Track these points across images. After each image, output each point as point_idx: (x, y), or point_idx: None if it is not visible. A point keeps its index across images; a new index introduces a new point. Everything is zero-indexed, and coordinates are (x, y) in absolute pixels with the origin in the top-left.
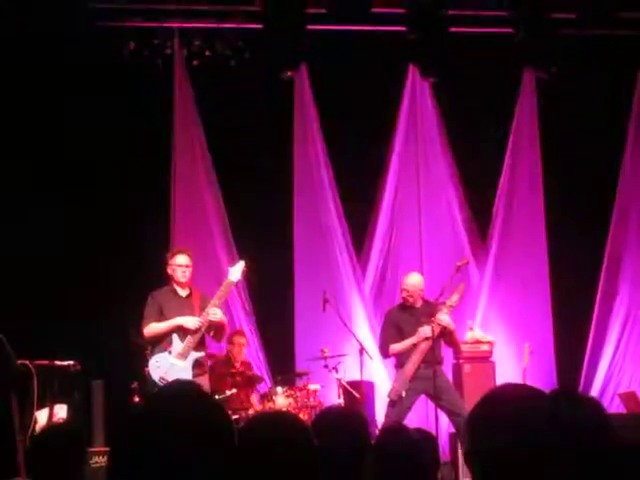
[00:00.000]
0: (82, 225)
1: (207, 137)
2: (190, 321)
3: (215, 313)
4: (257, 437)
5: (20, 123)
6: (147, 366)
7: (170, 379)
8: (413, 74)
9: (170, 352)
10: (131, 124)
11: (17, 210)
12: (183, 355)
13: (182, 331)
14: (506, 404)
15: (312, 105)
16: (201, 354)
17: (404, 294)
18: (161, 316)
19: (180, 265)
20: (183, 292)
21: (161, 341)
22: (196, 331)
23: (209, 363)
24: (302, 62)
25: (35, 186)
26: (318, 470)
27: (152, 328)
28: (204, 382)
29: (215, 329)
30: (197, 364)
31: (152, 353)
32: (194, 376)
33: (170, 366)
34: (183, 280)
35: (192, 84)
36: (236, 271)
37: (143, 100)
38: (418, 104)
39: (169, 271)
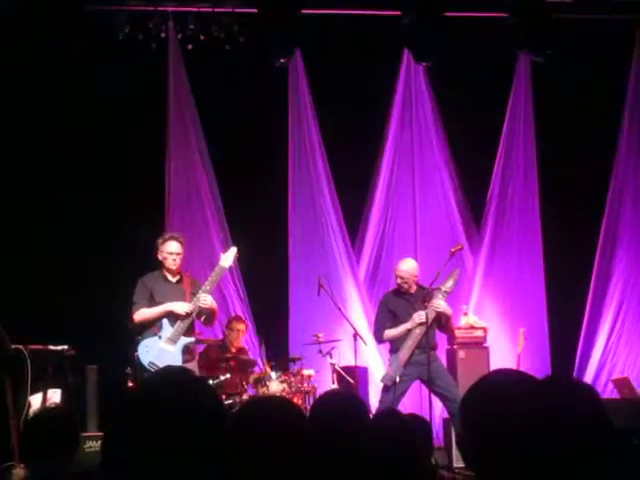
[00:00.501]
0: (76, 208)
1: (201, 121)
2: (180, 306)
3: (205, 299)
4: (250, 420)
5: (20, 104)
6: (136, 350)
7: (160, 364)
8: (408, 59)
9: (160, 337)
10: (125, 108)
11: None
12: (173, 340)
13: (172, 316)
14: (498, 389)
15: (306, 90)
16: (191, 340)
17: (399, 280)
18: (152, 301)
19: (171, 253)
20: (174, 278)
21: (151, 325)
22: (186, 316)
23: (202, 348)
24: (296, 46)
25: (35, 160)
26: (311, 453)
27: (142, 313)
28: (193, 368)
29: (206, 314)
30: (187, 350)
31: (141, 337)
32: (184, 362)
33: (160, 351)
34: (173, 267)
35: (186, 68)
36: (228, 257)
37: (137, 84)
38: (413, 89)
39: (159, 257)
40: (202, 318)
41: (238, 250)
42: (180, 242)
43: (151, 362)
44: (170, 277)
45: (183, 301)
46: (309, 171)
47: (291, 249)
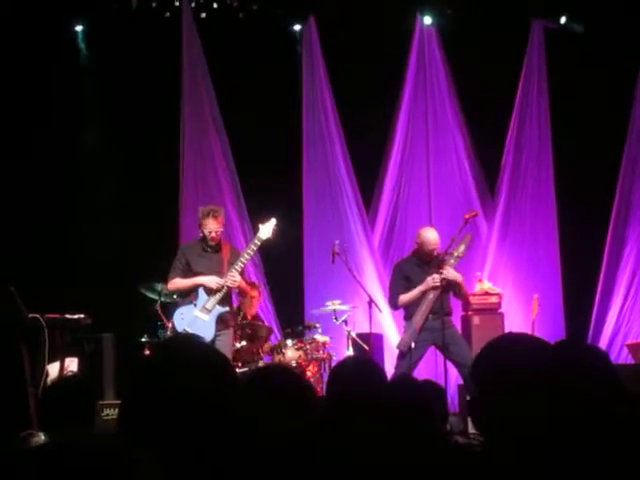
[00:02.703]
0: (89, 177)
1: (215, 90)
2: (212, 281)
3: (234, 279)
4: (256, 389)
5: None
6: (171, 318)
7: (193, 331)
8: (421, 24)
9: (195, 305)
10: (139, 76)
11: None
12: (207, 309)
13: (204, 287)
14: (509, 352)
15: (320, 57)
16: (226, 309)
17: (429, 247)
18: (189, 271)
19: (210, 231)
20: (212, 247)
21: (188, 294)
22: (217, 290)
23: None
24: (310, 13)
25: (45, 141)
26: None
27: (175, 283)
28: (228, 337)
29: (239, 288)
30: (221, 319)
31: (178, 305)
32: (217, 330)
33: (194, 319)
34: (212, 243)
35: (200, 37)
36: (267, 228)
37: (151, 52)
38: (426, 57)
39: (200, 227)
40: (237, 290)
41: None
42: (218, 219)
43: (185, 329)
44: (208, 247)
45: (221, 271)
46: (323, 138)
47: (306, 216)
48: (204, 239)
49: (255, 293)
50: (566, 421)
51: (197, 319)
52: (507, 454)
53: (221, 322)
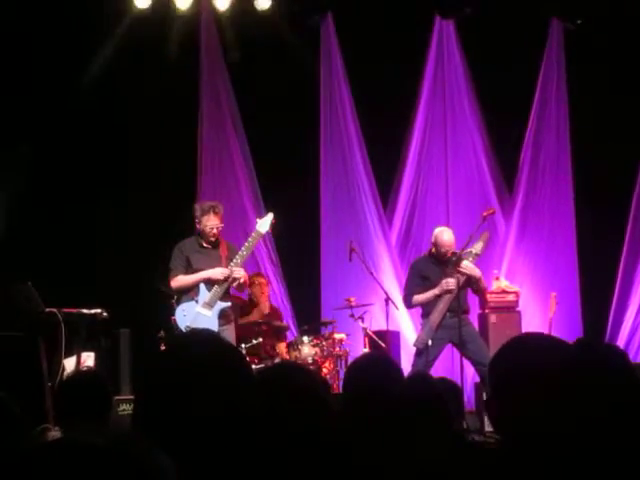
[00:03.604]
0: (108, 174)
1: (233, 85)
2: (218, 272)
3: (240, 271)
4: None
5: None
6: (173, 315)
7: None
8: (440, 23)
9: (197, 301)
10: (157, 71)
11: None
12: (209, 305)
13: (209, 280)
14: (528, 352)
15: (338, 54)
16: (227, 304)
17: (441, 250)
18: (188, 267)
19: (212, 228)
20: (210, 244)
21: (188, 290)
22: (224, 281)
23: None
24: (328, 9)
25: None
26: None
27: (179, 280)
28: (230, 332)
29: (238, 282)
30: (223, 314)
31: (179, 302)
32: (220, 326)
33: (196, 315)
34: (212, 239)
35: (218, 31)
36: (264, 223)
37: (169, 46)
38: (445, 54)
39: (197, 225)
40: (235, 284)
41: (270, 214)
42: (219, 215)
43: (188, 326)
44: (206, 244)
45: (220, 266)
46: (341, 136)
47: (323, 213)
48: (201, 235)
49: (262, 279)
50: (584, 420)
51: (199, 315)
52: (523, 453)
53: (223, 317)
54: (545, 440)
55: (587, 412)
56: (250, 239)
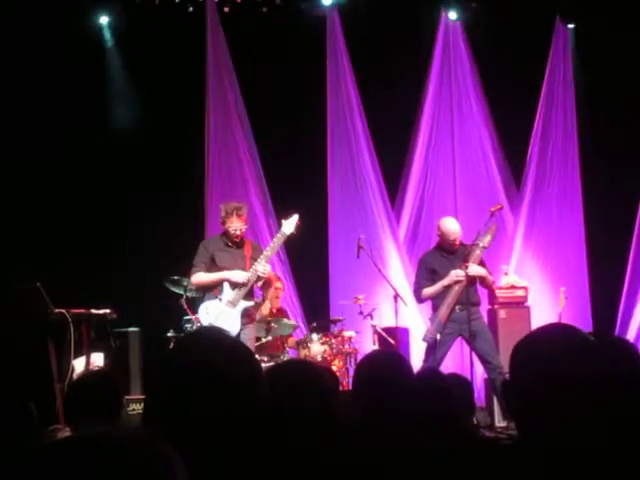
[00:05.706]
0: (111, 173)
1: (240, 84)
2: (238, 275)
3: (265, 269)
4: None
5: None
6: (196, 312)
7: (219, 326)
8: (446, 18)
9: (220, 299)
10: (163, 71)
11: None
12: (233, 303)
13: (229, 281)
14: (550, 341)
15: (344, 51)
16: (250, 303)
17: (450, 238)
18: (213, 265)
19: (235, 229)
20: (235, 243)
21: (212, 288)
22: (244, 285)
23: None
24: (334, 7)
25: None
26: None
27: (200, 277)
28: (251, 331)
29: (263, 281)
30: (246, 313)
31: (202, 300)
32: (242, 324)
33: (220, 313)
34: (236, 240)
35: (224, 31)
36: (290, 224)
37: (175, 47)
38: (451, 49)
39: (223, 225)
40: (259, 284)
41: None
42: (242, 217)
43: (211, 324)
44: (231, 243)
45: (243, 267)
46: (348, 132)
47: (330, 210)
48: (226, 235)
49: (279, 284)
50: (600, 416)
51: (223, 313)
52: (538, 441)
53: (246, 316)
54: (559, 431)
55: (601, 407)
56: (275, 239)
